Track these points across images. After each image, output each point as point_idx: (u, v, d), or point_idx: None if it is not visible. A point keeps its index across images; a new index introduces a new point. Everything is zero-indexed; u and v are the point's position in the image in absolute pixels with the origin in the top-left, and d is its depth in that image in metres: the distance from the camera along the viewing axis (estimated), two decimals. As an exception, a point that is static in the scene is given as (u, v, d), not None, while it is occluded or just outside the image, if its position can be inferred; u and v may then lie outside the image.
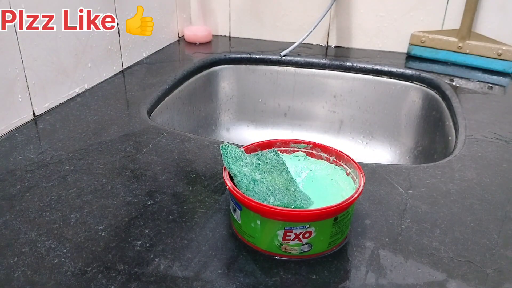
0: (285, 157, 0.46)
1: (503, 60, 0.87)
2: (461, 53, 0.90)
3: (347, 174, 0.43)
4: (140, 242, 0.40)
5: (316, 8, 1.00)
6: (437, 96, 0.83)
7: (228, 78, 0.98)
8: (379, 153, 0.94)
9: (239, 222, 0.40)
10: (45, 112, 0.65)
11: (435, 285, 0.36)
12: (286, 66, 0.97)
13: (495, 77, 0.87)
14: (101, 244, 0.40)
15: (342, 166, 0.44)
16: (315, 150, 0.47)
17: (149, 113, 0.70)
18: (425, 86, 0.87)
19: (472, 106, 0.73)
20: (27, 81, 0.61)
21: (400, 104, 0.91)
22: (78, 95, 0.72)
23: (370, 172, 0.52)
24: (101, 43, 0.76)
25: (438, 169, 0.53)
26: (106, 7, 0.75)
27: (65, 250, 0.39)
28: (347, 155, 0.44)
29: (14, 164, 0.52)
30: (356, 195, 0.38)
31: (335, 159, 0.45)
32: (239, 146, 0.45)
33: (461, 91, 0.79)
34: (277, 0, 1.03)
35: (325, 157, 0.46)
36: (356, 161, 0.43)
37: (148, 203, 0.46)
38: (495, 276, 0.38)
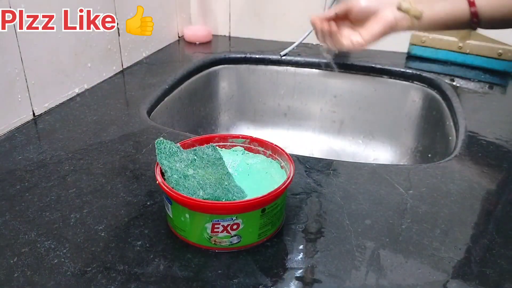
0: (224, 152, 0.47)
1: (503, 60, 0.87)
2: (462, 53, 0.90)
3: (282, 167, 0.44)
4: (140, 242, 0.40)
5: (316, 8, 1.00)
6: (438, 96, 0.83)
7: (228, 78, 0.98)
8: (379, 153, 0.94)
9: (171, 216, 0.40)
10: (45, 112, 0.65)
11: (435, 286, 0.36)
12: (286, 66, 0.97)
13: (495, 77, 0.87)
14: (101, 244, 0.40)
15: (278, 159, 0.45)
16: (253, 145, 0.47)
17: (149, 113, 0.70)
18: (426, 86, 0.87)
19: (473, 106, 0.73)
20: (26, 81, 0.61)
21: (400, 104, 0.91)
22: (78, 95, 0.72)
23: (370, 172, 0.52)
24: (100, 43, 0.76)
25: (439, 169, 0.53)
26: (106, 7, 0.75)
27: (64, 250, 0.39)
28: (281, 149, 0.45)
29: (14, 164, 0.52)
30: (282, 187, 0.38)
31: (271, 153, 0.46)
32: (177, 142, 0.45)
33: (461, 91, 0.79)
34: (277, 0, 1.03)
35: (262, 151, 0.47)
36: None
37: (148, 203, 0.46)
38: (495, 276, 0.37)
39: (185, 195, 0.37)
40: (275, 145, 0.46)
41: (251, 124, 1.02)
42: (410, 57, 0.96)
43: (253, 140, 0.47)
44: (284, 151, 0.44)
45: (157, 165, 0.41)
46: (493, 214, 0.45)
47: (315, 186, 0.49)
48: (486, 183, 0.51)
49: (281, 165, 0.44)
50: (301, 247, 0.40)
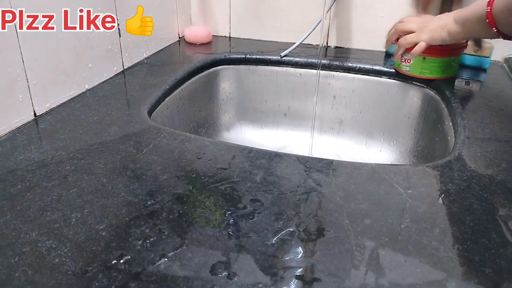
0: None
1: (479, 56, 0.90)
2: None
3: None
4: (140, 242, 0.40)
5: (316, 9, 1.01)
6: (437, 96, 0.83)
7: (228, 79, 0.98)
8: (379, 153, 0.95)
9: None
10: (46, 112, 0.66)
11: (434, 285, 0.36)
12: (286, 67, 0.97)
13: (495, 77, 0.87)
14: (102, 244, 0.40)
15: None
16: None
17: (150, 113, 0.70)
18: (425, 86, 0.87)
19: (472, 106, 0.73)
20: (27, 81, 0.61)
21: (399, 104, 0.91)
22: (79, 95, 0.72)
23: (370, 172, 0.52)
24: (101, 44, 0.76)
25: (438, 169, 0.53)
26: (106, 7, 0.76)
27: (65, 250, 0.39)
28: None
29: (15, 164, 0.52)
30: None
31: None
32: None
33: (460, 91, 0.79)
34: (277, 1, 1.04)
35: None
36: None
37: (149, 203, 0.46)
38: (494, 276, 0.38)
39: None
40: None
41: (251, 124, 1.02)
42: (410, 57, 0.97)
43: None
44: None
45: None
46: (492, 214, 0.46)
47: (315, 185, 0.49)
48: (485, 183, 0.51)
49: None
50: (300, 246, 0.40)
